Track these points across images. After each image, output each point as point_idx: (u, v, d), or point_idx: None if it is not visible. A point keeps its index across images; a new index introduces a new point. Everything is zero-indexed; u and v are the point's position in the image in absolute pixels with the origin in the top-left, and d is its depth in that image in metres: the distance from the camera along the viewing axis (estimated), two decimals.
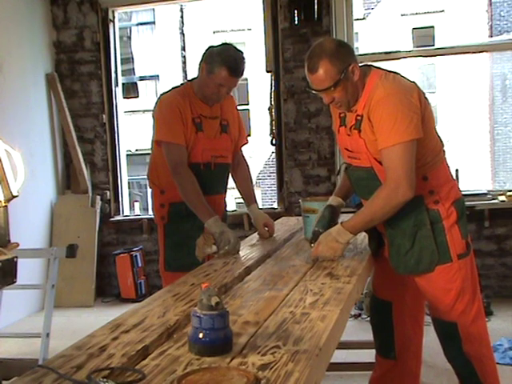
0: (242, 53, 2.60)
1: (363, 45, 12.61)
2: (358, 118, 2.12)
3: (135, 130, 9.62)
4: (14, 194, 2.05)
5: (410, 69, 11.84)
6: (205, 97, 2.65)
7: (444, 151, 2.24)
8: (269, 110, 5.11)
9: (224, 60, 2.52)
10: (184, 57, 13.39)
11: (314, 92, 2.15)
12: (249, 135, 3.26)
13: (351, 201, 2.60)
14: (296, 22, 4.90)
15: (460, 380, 2.32)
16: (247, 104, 13.52)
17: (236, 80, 2.60)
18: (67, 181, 5.47)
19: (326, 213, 2.31)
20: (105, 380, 1.15)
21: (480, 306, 2.27)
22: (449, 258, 2.15)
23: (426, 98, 2.14)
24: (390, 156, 2.03)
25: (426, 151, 2.11)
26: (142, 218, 5.45)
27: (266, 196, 13.69)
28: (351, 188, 2.40)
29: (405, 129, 2.01)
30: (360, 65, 2.16)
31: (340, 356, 3.14)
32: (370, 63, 2.25)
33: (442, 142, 2.24)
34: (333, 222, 2.27)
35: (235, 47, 2.61)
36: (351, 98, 2.13)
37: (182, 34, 13.52)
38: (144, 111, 11.73)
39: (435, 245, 2.14)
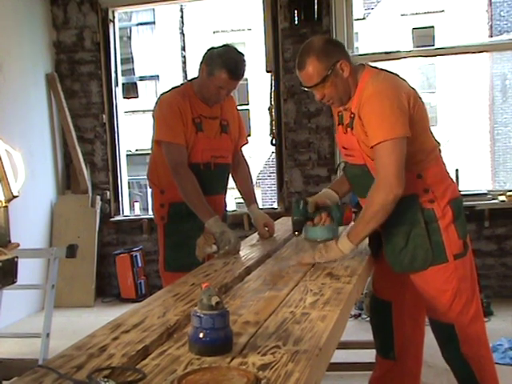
0: (242, 55, 2.59)
1: (363, 45, 12.60)
2: (352, 115, 2.14)
3: (135, 130, 9.62)
4: (14, 194, 2.06)
5: (410, 69, 11.84)
6: (204, 97, 2.65)
7: (440, 150, 2.24)
8: (269, 110, 5.11)
9: (224, 62, 2.51)
10: (184, 57, 13.40)
11: (305, 89, 2.17)
12: (249, 135, 3.26)
13: (351, 201, 2.61)
14: (296, 22, 4.91)
15: (458, 381, 2.32)
16: (247, 104, 13.52)
17: (236, 83, 2.60)
18: (67, 181, 5.47)
19: (294, 205, 2.45)
20: (105, 380, 1.15)
21: (478, 307, 2.26)
22: (445, 258, 2.15)
23: (419, 97, 2.15)
24: (380, 153, 2.04)
25: (420, 150, 2.12)
26: (142, 218, 5.45)
27: (266, 196, 13.69)
28: (346, 184, 2.43)
29: (392, 126, 2.02)
30: (356, 64, 2.18)
31: (340, 356, 3.14)
32: (365, 62, 2.25)
33: (436, 141, 2.24)
34: (305, 207, 2.40)
35: (236, 49, 2.60)
36: (343, 95, 2.15)
37: (182, 34, 13.52)
38: (144, 111, 11.72)
39: (429, 244, 2.14)
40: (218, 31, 13.86)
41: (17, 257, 1.93)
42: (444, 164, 2.26)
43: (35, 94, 5.19)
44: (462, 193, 2.32)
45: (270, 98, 5.08)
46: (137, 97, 12.89)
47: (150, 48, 13.20)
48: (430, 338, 2.47)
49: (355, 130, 2.13)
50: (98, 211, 5.32)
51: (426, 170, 2.15)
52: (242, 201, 2.92)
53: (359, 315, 4.29)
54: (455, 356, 2.25)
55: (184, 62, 13.36)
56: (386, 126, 2.01)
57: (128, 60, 12.28)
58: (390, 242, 2.23)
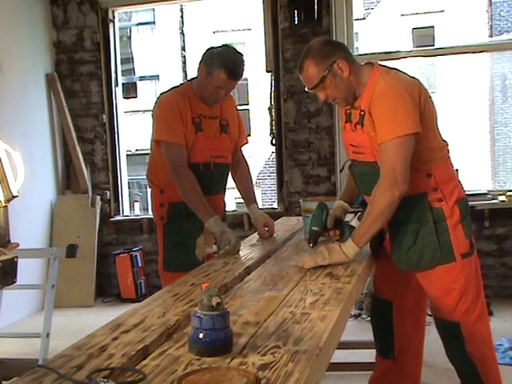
0: (241, 55, 2.59)
1: (363, 45, 12.61)
2: (362, 113, 2.14)
3: (135, 130, 9.62)
4: (14, 194, 2.06)
5: (410, 69, 11.83)
6: (203, 97, 2.64)
7: (448, 150, 2.25)
8: (269, 110, 5.11)
9: (223, 62, 2.50)
10: (184, 57, 13.40)
11: (309, 91, 2.19)
12: (249, 135, 3.25)
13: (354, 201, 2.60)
14: (296, 22, 4.91)
15: (462, 380, 2.32)
16: (247, 104, 13.53)
17: (235, 83, 2.59)
18: (67, 181, 5.47)
19: (316, 212, 2.33)
20: (105, 380, 1.14)
21: (483, 306, 2.26)
22: (452, 258, 2.15)
23: (429, 96, 2.16)
24: (387, 150, 2.03)
25: (429, 148, 2.12)
26: (142, 218, 5.45)
27: (265, 196, 13.70)
28: (356, 191, 2.42)
29: (404, 122, 2.02)
30: (363, 63, 2.19)
31: (340, 356, 3.14)
32: (373, 61, 2.26)
33: (444, 140, 2.25)
34: (326, 218, 2.30)
35: (235, 49, 2.60)
36: (347, 95, 2.16)
37: (182, 34, 13.53)
38: (144, 111, 11.73)
39: (438, 242, 2.15)
40: (218, 31, 13.87)
41: (16, 257, 1.93)
42: (452, 164, 2.27)
43: (35, 94, 5.18)
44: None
45: (270, 97, 5.08)
46: (135, 97, 12.89)
47: (150, 48, 13.20)
48: (430, 338, 2.48)
49: (365, 128, 2.13)
50: (98, 211, 5.32)
51: (436, 169, 2.15)
52: (241, 201, 2.92)
53: (359, 315, 4.29)
54: (460, 355, 2.25)
55: (184, 62, 13.37)
56: (397, 123, 2.01)
57: (128, 60, 12.29)
58: (397, 241, 2.23)
